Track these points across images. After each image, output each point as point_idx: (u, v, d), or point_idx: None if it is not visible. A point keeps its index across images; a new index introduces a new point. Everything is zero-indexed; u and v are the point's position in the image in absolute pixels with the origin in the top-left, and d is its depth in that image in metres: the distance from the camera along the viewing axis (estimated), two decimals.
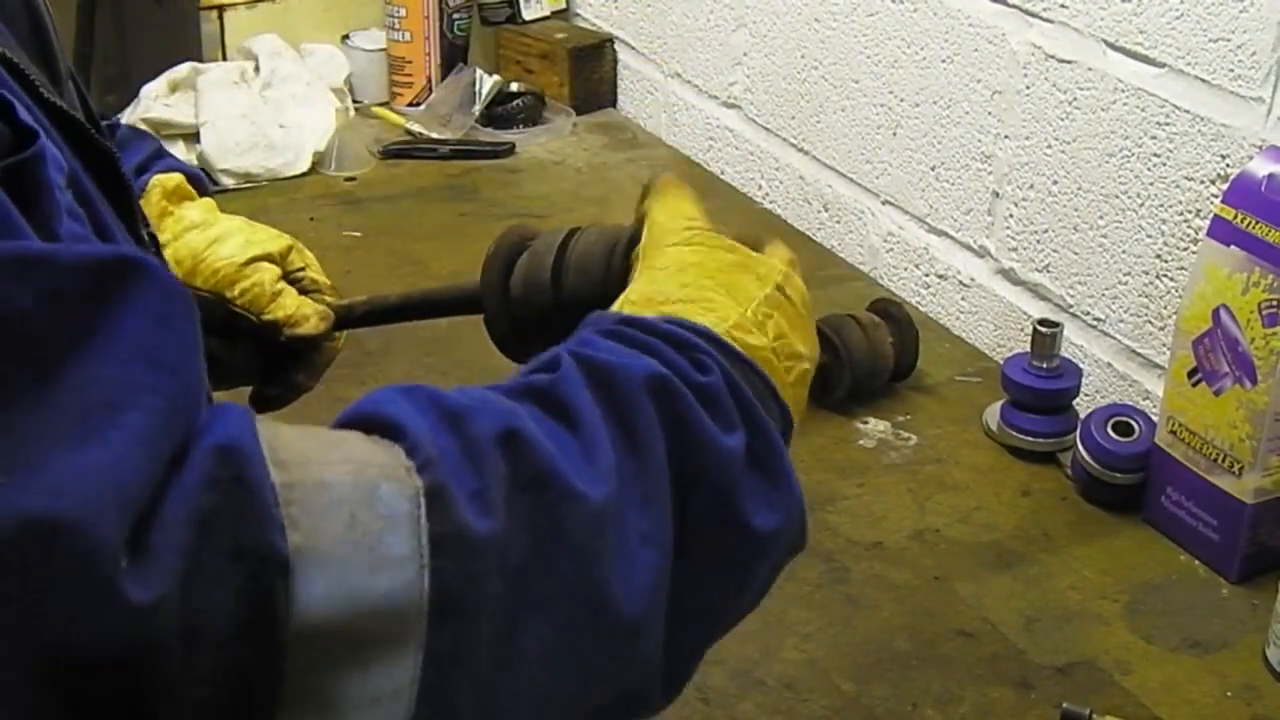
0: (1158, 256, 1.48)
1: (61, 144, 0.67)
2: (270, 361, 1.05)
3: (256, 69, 2.21)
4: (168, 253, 1.00)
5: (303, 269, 1.06)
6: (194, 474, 0.49)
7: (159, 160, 1.06)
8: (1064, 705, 1.16)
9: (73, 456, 0.47)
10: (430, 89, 2.36)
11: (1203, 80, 1.39)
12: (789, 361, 0.72)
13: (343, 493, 0.52)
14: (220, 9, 2.29)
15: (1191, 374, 1.33)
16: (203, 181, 1.08)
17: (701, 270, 0.72)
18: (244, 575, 0.49)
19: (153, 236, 0.82)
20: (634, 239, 0.81)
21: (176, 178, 1.05)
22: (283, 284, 1.03)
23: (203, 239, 1.02)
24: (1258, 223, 1.25)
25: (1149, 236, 1.49)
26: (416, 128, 2.28)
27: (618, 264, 0.87)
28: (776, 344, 0.71)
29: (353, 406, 0.58)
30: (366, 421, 0.56)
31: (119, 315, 0.50)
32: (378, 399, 0.58)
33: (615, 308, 0.72)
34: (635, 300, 0.71)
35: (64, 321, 0.49)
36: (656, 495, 0.61)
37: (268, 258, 1.03)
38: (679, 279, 0.72)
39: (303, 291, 1.05)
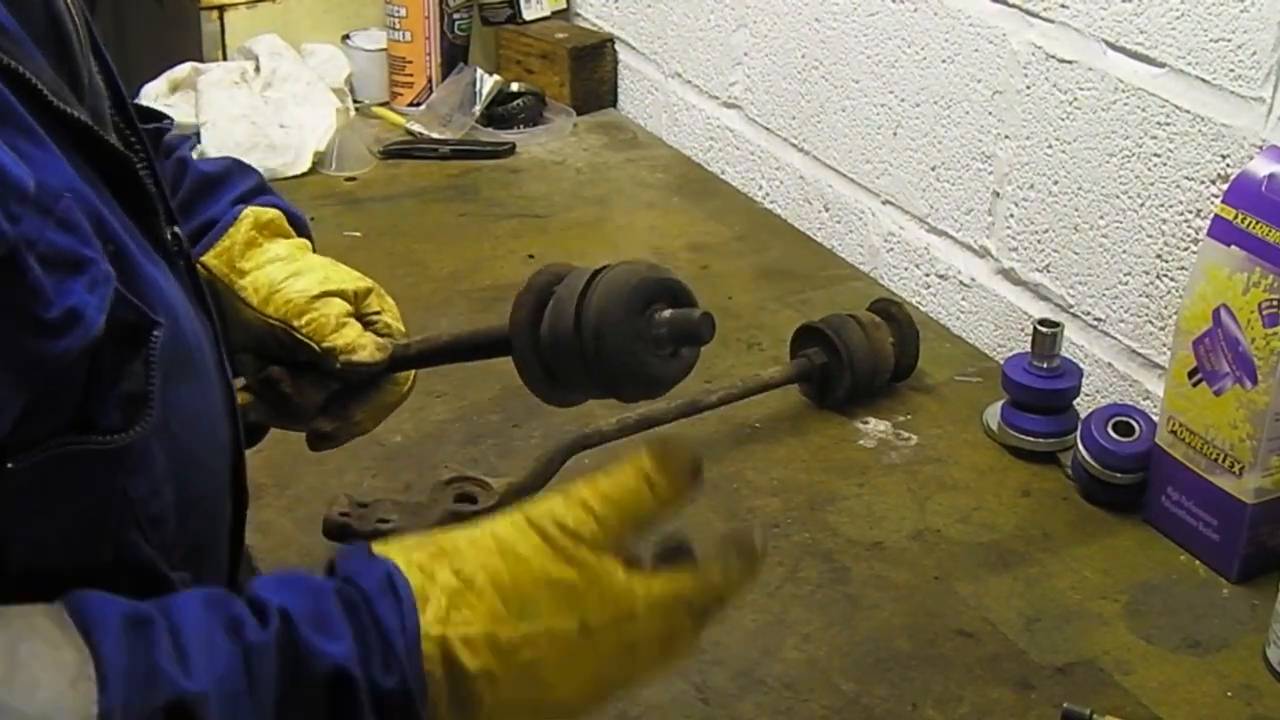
0: (1158, 256, 1.48)
1: (69, 149, 0.68)
2: (332, 399, 1.06)
3: (257, 69, 2.21)
4: (247, 280, 1.02)
5: (379, 313, 1.06)
6: None
7: (262, 195, 1.07)
8: (1064, 705, 1.16)
9: None
10: (431, 89, 2.36)
11: (1203, 80, 1.39)
12: (515, 691, 0.70)
13: None
14: (220, 9, 2.29)
15: (1192, 374, 1.33)
16: (304, 224, 1.09)
17: (516, 565, 0.70)
18: None
19: (177, 235, 0.82)
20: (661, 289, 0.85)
21: (273, 212, 1.05)
22: (349, 319, 1.03)
23: (283, 271, 1.03)
24: (1258, 223, 1.25)
25: (1149, 236, 1.49)
26: (417, 128, 2.28)
27: (636, 308, 0.89)
28: (505, 672, 0.69)
29: (93, 607, 0.64)
30: (91, 645, 0.62)
31: None
32: (108, 627, 0.63)
33: (406, 548, 0.72)
34: (425, 557, 0.71)
35: None
36: None
37: (341, 294, 1.04)
38: (486, 560, 0.71)
39: (375, 334, 1.05)
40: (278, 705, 0.65)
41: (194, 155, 1.08)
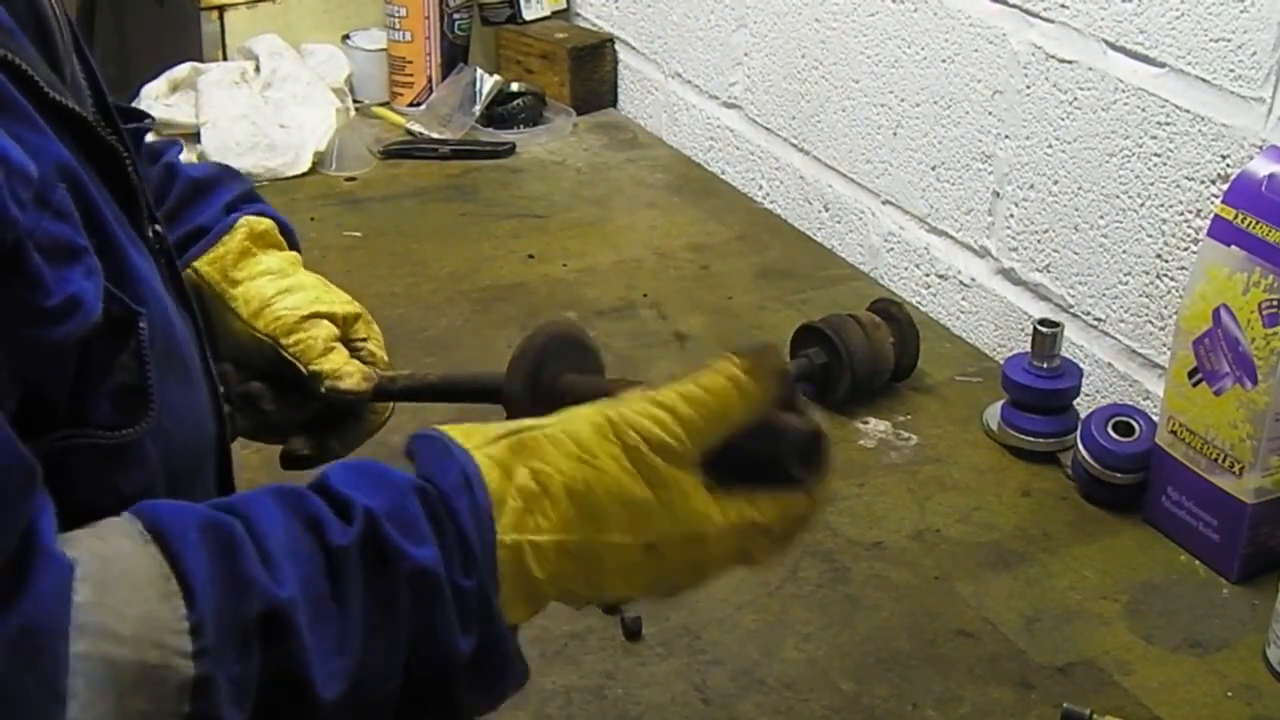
0: (1158, 256, 1.48)
1: (64, 141, 0.68)
2: (311, 420, 1.06)
3: (257, 69, 2.21)
4: (238, 291, 1.03)
5: (365, 339, 1.07)
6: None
7: (251, 203, 1.07)
8: (1064, 705, 1.16)
9: None
10: (431, 89, 2.36)
11: (1203, 80, 1.39)
12: (576, 587, 0.72)
13: (121, 673, 0.59)
14: (220, 9, 2.29)
15: (1192, 374, 1.33)
16: (294, 235, 1.09)
17: (593, 474, 0.71)
18: None
19: (159, 234, 0.82)
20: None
21: (267, 223, 1.05)
22: (336, 344, 1.04)
23: (274, 286, 1.03)
24: (1258, 223, 1.25)
25: (1149, 236, 1.49)
26: (417, 128, 2.28)
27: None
28: (568, 573, 0.71)
29: (166, 517, 0.64)
30: (171, 557, 0.62)
31: None
32: (188, 536, 0.63)
33: (487, 438, 0.72)
34: (505, 451, 0.71)
35: None
36: (389, 682, 0.68)
37: (330, 317, 1.04)
38: (564, 465, 0.71)
39: (360, 361, 1.05)
40: (363, 605, 0.66)
41: (181, 160, 1.07)
